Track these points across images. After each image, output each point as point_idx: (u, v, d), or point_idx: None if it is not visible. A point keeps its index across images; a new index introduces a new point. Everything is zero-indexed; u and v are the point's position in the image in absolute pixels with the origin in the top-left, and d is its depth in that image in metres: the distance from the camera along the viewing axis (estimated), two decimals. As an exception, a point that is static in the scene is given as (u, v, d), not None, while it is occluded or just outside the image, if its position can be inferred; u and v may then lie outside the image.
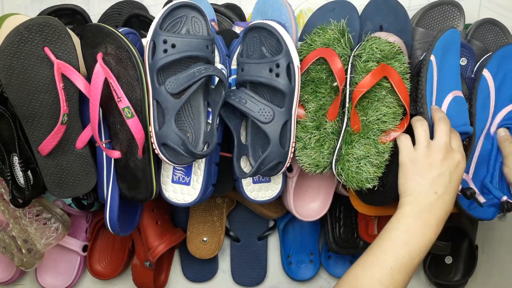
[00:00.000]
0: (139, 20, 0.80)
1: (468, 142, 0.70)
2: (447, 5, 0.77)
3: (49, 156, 0.65)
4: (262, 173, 0.64)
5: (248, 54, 0.65)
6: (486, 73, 0.70)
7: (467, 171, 0.70)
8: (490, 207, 0.71)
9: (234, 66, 0.67)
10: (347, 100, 0.64)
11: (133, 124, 0.60)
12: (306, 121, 0.66)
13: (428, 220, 0.57)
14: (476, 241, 0.89)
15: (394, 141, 0.65)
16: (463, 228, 0.86)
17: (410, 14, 0.77)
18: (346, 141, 0.65)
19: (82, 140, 0.66)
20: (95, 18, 0.83)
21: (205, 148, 0.64)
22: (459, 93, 0.67)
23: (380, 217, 0.83)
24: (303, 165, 0.66)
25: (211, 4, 0.75)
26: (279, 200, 0.79)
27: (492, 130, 0.71)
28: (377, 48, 0.63)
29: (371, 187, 0.65)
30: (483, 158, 0.71)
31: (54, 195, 0.67)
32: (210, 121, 0.65)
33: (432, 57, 0.65)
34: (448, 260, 0.90)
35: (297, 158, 0.66)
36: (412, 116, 0.66)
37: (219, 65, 0.65)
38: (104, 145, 0.66)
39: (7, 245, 0.77)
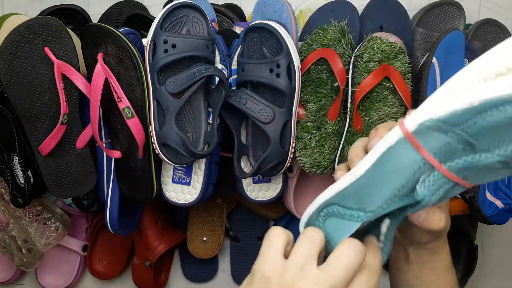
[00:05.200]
0: (139, 20, 0.80)
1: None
2: (448, 5, 0.77)
3: (49, 156, 0.64)
4: (263, 173, 0.64)
5: (248, 54, 0.65)
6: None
7: None
8: (506, 212, 0.71)
9: (234, 66, 0.67)
10: (349, 100, 0.64)
11: (134, 124, 0.60)
12: (307, 121, 0.66)
13: None
14: (476, 241, 0.89)
15: None
16: (463, 228, 0.86)
17: (411, 14, 0.77)
18: (348, 142, 0.65)
19: (82, 140, 0.65)
20: (95, 18, 0.83)
21: (205, 148, 0.64)
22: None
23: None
24: (303, 165, 0.66)
25: (211, 4, 0.75)
26: (279, 200, 0.79)
27: None
28: (378, 48, 0.63)
29: None
30: None
31: (54, 195, 0.67)
32: (210, 121, 0.65)
33: (434, 60, 0.65)
34: (448, 260, 0.90)
35: (297, 158, 0.66)
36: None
37: (219, 65, 0.65)
38: (104, 145, 0.66)
39: (7, 245, 0.77)
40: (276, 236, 0.39)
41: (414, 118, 0.35)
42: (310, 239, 0.38)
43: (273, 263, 0.37)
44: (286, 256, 0.38)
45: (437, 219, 0.41)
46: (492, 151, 0.33)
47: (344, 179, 0.40)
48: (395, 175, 0.36)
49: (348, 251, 0.37)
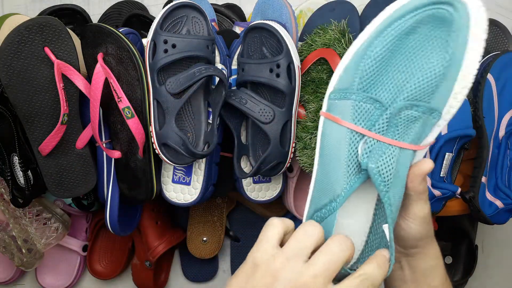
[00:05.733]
0: (139, 20, 0.80)
1: (471, 146, 0.70)
2: (447, 5, 0.77)
3: (49, 156, 0.64)
4: (262, 173, 0.64)
5: (248, 54, 0.65)
6: (490, 77, 0.69)
7: (484, 174, 0.70)
8: (506, 212, 0.71)
9: (234, 66, 0.67)
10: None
11: (134, 124, 0.60)
12: (307, 121, 0.66)
13: None
14: (476, 241, 0.89)
15: None
16: (463, 228, 0.86)
17: (411, 14, 0.77)
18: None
19: (82, 140, 0.65)
20: (95, 18, 0.83)
21: (205, 148, 0.64)
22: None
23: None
24: (303, 166, 0.66)
25: (211, 4, 0.75)
26: (279, 200, 0.79)
27: (501, 134, 0.71)
28: (377, 48, 0.63)
29: None
30: (492, 162, 0.71)
31: (54, 195, 0.67)
32: (210, 121, 0.65)
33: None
34: (448, 260, 0.90)
35: (297, 158, 0.66)
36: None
37: (219, 65, 0.65)
38: (104, 145, 0.66)
39: (7, 245, 0.77)
40: (272, 226, 0.40)
41: (325, 99, 0.41)
42: (305, 232, 0.39)
43: (264, 252, 0.39)
44: (283, 244, 0.39)
45: (425, 162, 0.41)
46: (397, 100, 0.38)
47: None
48: (337, 153, 0.40)
49: (331, 246, 0.38)
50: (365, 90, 0.39)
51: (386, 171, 0.38)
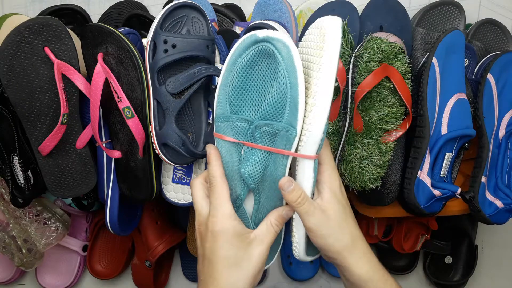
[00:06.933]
0: (139, 20, 0.80)
1: (470, 146, 0.70)
2: (448, 5, 0.77)
3: (49, 156, 0.64)
4: (263, 173, 0.64)
5: (248, 54, 0.65)
6: (490, 77, 0.69)
7: (484, 174, 0.70)
8: (506, 212, 0.71)
9: (234, 66, 0.67)
10: (349, 100, 0.64)
11: (133, 124, 0.60)
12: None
13: None
14: (476, 241, 0.89)
15: (396, 141, 0.65)
16: (463, 228, 0.87)
17: (411, 14, 0.77)
18: (348, 142, 0.65)
19: (82, 140, 0.66)
20: (95, 18, 0.83)
21: (205, 148, 0.64)
22: (463, 96, 0.67)
23: (380, 218, 0.83)
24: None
25: (211, 4, 0.75)
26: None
27: (501, 133, 0.71)
28: (378, 48, 0.63)
29: (374, 187, 0.65)
30: (492, 162, 0.71)
31: (54, 195, 0.67)
32: (210, 121, 0.65)
33: (434, 60, 0.65)
34: (448, 260, 0.90)
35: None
36: (414, 117, 0.66)
37: (219, 65, 0.65)
38: (104, 145, 0.66)
39: (7, 245, 0.77)
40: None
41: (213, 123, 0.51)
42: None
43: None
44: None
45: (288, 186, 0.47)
46: (256, 118, 0.47)
47: None
48: (230, 161, 0.49)
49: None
50: (235, 112, 0.48)
51: (255, 173, 0.47)
